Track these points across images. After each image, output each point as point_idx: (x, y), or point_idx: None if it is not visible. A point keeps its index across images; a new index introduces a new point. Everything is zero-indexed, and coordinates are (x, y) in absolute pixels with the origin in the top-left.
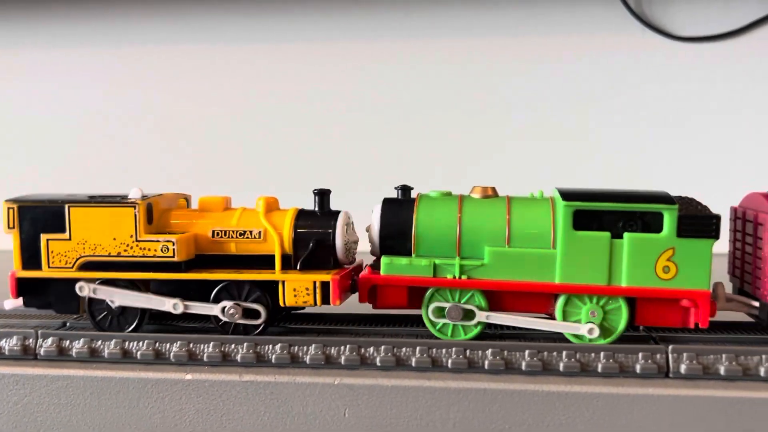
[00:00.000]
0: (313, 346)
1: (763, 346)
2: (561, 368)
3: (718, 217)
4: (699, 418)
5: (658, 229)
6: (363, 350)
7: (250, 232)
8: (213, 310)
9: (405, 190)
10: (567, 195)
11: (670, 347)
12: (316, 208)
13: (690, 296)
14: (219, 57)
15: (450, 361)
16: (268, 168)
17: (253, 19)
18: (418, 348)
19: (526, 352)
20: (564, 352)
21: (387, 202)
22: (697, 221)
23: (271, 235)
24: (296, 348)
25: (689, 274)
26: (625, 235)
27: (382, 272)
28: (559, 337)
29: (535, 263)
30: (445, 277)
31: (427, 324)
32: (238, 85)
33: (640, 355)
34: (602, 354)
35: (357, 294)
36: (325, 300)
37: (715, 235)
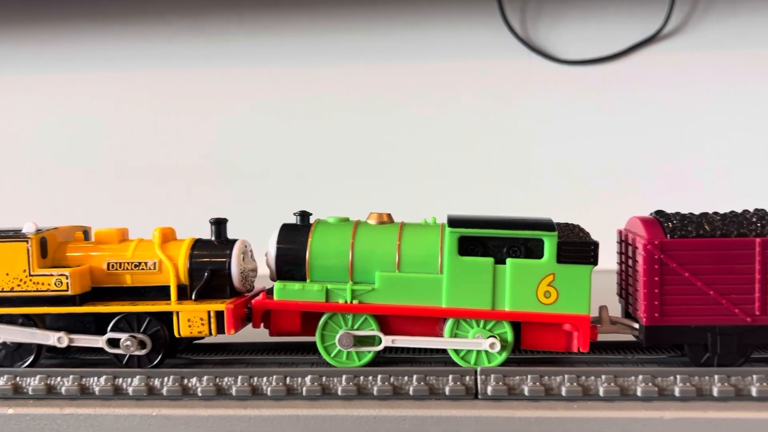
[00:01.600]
0: (205, 377)
1: (592, 367)
2: (375, 392)
3: (596, 244)
4: None
5: (540, 255)
6: (255, 380)
7: (146, 263)
8: (98, 342)
9: (303, 215)
10: (452, 222)
11: (479, 369)
12: (213, 238)
13: (570, 321)
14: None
15: (340, 388)
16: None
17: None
18: (309, 377)
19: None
20: (379, 376)
21: (284, 228)
22: (575, 248)
23: (166, 266)
24: (186, 380)
25: (569, 299)
26: (508, 260)
27: (275, 297)
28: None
29: (423, 288)
30: (337, 302)
31: (321, 351)
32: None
33: (450, 377)
34: (414, 377)
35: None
36: (220, 329)
37: (593, 261)
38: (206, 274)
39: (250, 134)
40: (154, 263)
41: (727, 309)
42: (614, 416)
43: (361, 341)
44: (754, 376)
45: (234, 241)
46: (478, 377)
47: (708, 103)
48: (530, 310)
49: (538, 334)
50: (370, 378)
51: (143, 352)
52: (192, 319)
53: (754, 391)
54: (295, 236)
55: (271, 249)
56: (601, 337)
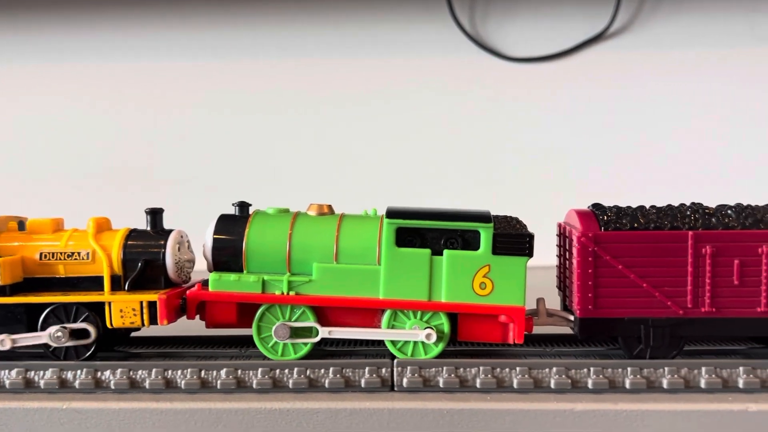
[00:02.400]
0: (119, 371)
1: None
2: (290, 385)
3: (531, 236)
4: (419, 429)
5: (477, 246)
6: (168, 373)
7: (79, 253)
8: (42, 338)
9: (242, 206)
10: (390, 213)
11: (396, 361)
12: (149, 227)
13: (506, 312)
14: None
15: (255, 381)
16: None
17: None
18: (224, 370)
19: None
20: (295, 369)
21: (222, 219)
22: (510, 239)
23: (100, 256)
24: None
25: (505, 291)
26: (444, 252)
27: (210, 288)
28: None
29: (361, 279)
30: (274, 294)
31: (257, 343)
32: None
33: (366, 369)
34: (331, 370)
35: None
36: (153, 320)
37: (529, 253)
38: (140, 264)
39: (199, 128)
40: (88, 253)
41: (659, 301)
42: (527, 408)
43: (298, 333)
44: (666, 368)
45: (170, 231)
46: (395, 369)
47: (653, 101)
48: (466, 302)
49: (474, 325)
50: (286, 371)
51: (75, 343)
52: (124, 309)
53: (665, 383)
54: (232, 227)
55: (208, 240)
56: (552, 330)
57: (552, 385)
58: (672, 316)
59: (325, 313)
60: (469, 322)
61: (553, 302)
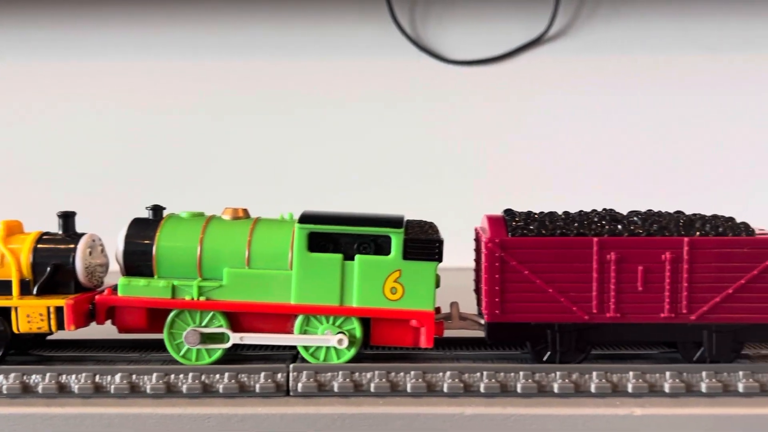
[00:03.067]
0: (12, 375)
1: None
2: (184, 390)
3: (440, 241)
4: None
5: (389, 251)
6: (63, 377)
7: None
8: None
9: (156, 210)
10: (302, 218)
11: (291, 366)
12: (60, 231)
13: (416, 316)
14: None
15: (149, 386)
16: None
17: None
18: (118, 375)
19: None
20: (190, 374)
21: (134, 223)
22: (420, 245)
23: (8, 260)
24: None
25: (414, 295)
26: (356, 257)
27: (119, 293)
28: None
29: (272, 284)
30: (184, 299)
31: (168, 347)
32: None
33: (262, 375)
34: (226, 375)
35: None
36: (61, 325)
37: (438, 258)
38: (49, 268)
39: (135, 130)
40: None
41: (565, 307)
42: (418, 412)
43: (211, 339)
44: (557, 373)
45: (81, 235)
46: (290, 374)
47: (590, 105)
48: (377, 306)
49: (386, 330)
50: (181, 376)
51: None
52: (31, 314)
53: (556, 388)
54: (144, 231)
55: (120, 244)
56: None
57: (445, 389)
58: (578, 321)
59: (238, 318)
60: (381, 326)
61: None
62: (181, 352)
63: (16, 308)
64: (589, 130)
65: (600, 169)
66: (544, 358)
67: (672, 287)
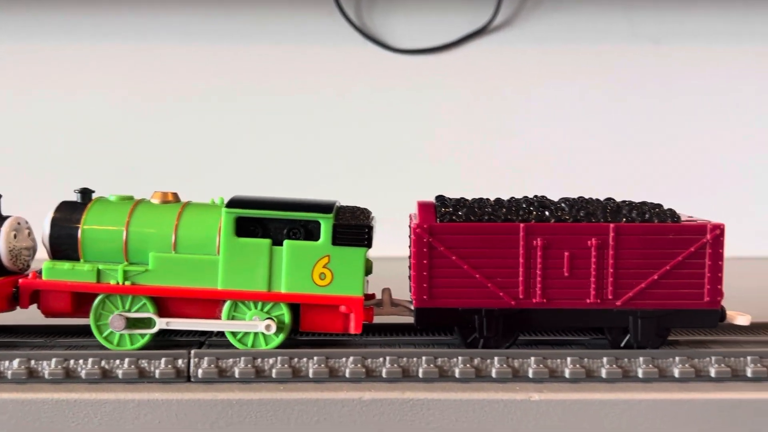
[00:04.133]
0: None
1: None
2: (83, 376)
3: (369, 227)
4: (206, 419)
5: (318, 237)
6: None
7: None
8: None
9: (84, 193)
10: (230, 202)
11: (193, 351)
12: None
13: (344, 302)
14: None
15: (47, 372)
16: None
17: None
18: (16, 360)
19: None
20: (90, 360)
21: (61, 206)
22: (349, 230)
23: None
24: None
25: (343, 281)
26: (285, 242)
27: (44, 277)
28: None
29: (199, 269)
30: (109, 283)
31: (95, 332)
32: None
33: (163, 360)
34: (127, 360)
35: None
36: None
37: (367, 244)
38: None
39: (75, 114)
40: None
41: (492, 292)
42: (316, 397)
43: (138, 324)
44: (459, 358)
45: (6, 217)
46: (191, 360)
47: (534, 96)
48: (306, 292)
49: (316, 316)
50: (81, 361)
51: None
52: None
53: (457, 373)
54: (70, 214)
55: (46, 227)
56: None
57: (347, 374)
58: (504, 306)
59: (166, 303)
60: (310, 312)
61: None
62: (108, 337)
63: None
64: (534, 120)
65: (547, 158)
66: (469, 343)
67: (598, 273)
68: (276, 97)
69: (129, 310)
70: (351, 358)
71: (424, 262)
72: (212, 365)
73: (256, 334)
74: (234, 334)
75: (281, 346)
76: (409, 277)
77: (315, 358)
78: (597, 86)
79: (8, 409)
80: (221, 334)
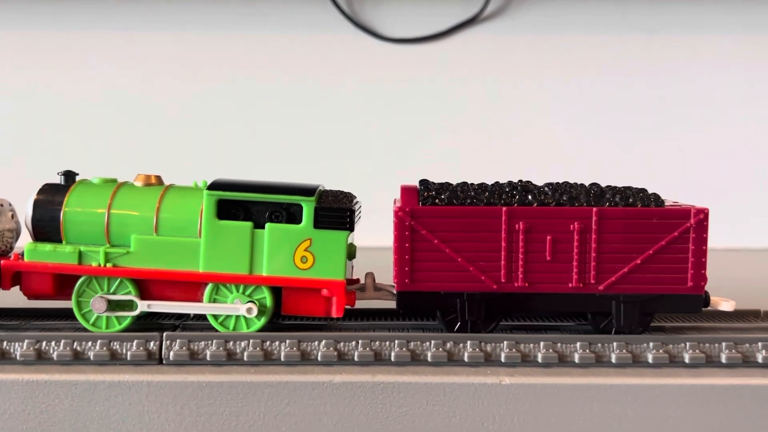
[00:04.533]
0: None
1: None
2: (54, 357)
3: (351, 210)
4: (177, 401)
5: (300, 220)
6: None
7: None
8: None
9: (68, 175)
10: (211, 185)
11: (165, 334)
12: None
13: (326, 286)
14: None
15: (19, 353)
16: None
17: None
18: (26, 341)
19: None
20: (62, 342)
21: (44, 188)
22: (330, 213)
23: None
24: None
25: (325, 265)
26: (267, 225)
27: (25, 258)
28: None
29: (180, 252)
30: (90, 265)
31: (77, 315)
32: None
33: (135, 342)
34: (99, 342)
35: None
36: None
37: (349, 227)
38: None
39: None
40: None
41: (474, 276)
42: (287, 380)
43: (120, 306)
44: (432, 342)
45: None
46: (163, 342)
47: (526, 86)
48: (287, 275)
49: (298, 299)
50: (53, 343)
51: None
52: None
53: (429, 357)
54: (53, 196)
55: (28, 209)
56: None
57: (319, 358)
58: (486, 290)
59: (148, 285)
60: (292, 296)
61: None
62: (91, 320)
63: None
64: (525, 110)
65: (538, 148)
66: (455, 328)
67: (580, 257)
68: (265, 85)
69: (111, 293)
70: (323, 342)
71: (406, 245)
72: (184, 348)
73: (237, 317)
74: (216, 317)
75: (263, 329)
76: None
77: (287, 341)
78: (589, 76)
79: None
80: (201, 317)
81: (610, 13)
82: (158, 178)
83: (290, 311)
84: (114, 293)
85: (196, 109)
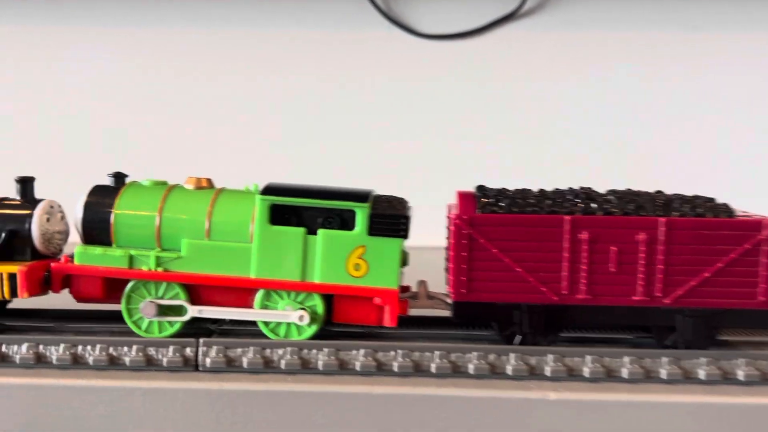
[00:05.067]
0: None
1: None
2: (90, 362)
3: (406, 217)
4: (213, 409)
5: (353, 226)
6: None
7: None
8: None
9: (117, 177)
10: (265, 189)
11: (201, 340)
12: (19, 197)
13: (379, 294)
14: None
15: (55, 357)
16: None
17: None
18: (25, 345)
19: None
20: (98, 346)
21: (95, 190)
22: (385, 220)
23: None
24: None
25: (379, 273)
26: (319, 231)
27: (75, 261)
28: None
29: (232, 257)
30: (141, 269)
31: (127, 320)
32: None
33: (171, 348)
34: (135, 347)
35: None
36: (14, 292)
37: (404, 234)
38: (4, 234)
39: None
40: None
41: (534, 287)
42: (327, 390)
43: (168, 311)
44: (474, 353)
45: (39, 201)
46: (200, 349)
47: (565, 83)
48: (340, 283)
49: (349, 307)
50: (89, 347)
51: None
52: None
53: (471, 369)
54: (104, 198)
55: (78, 211)
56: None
57: (357, 368)
58: (547, 302)
59: (198, 291)
60: (344, 304)
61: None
62: (144, 327)
63: None
64: (566, 108)
65: (580, 147)
66: (515, 340)
67: (646, 269)
68: (301, 82)
69: (161, 297)
70: (362, 351)
71: (463, 254)
72: (220, 354)
73: (289, 324)
74: (266, 323)
75: (314, 337)
76: (446, 269)
77: (325, 349)
78: (630, 72)
79: (16, 393)
80: (237, 322)
81: (652, 9)
82: (209, 181)
83: (341, 319)
84: (164, 298)
85: (226, 108)
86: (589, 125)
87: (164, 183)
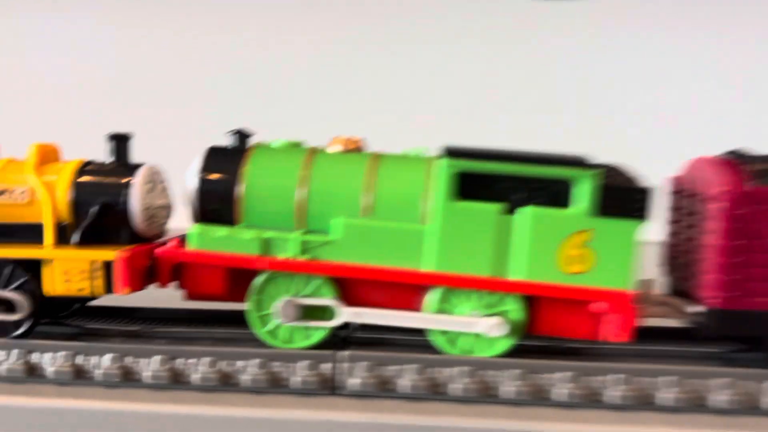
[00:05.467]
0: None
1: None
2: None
3: (645, 191)
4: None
5: (567, 203)
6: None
7: (12, 191)
8: None
9: (241, 136)
10: (451, 152)
11: (339, 354)
12: (111, 160)
13: (606, 298)
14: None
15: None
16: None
17: None
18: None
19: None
20: (202, 359)
21: (212, 153)
22: (622, 195)
23: (41, 196)
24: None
25: (608, 268)
26: (524, 209)
27: (191, 246)
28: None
29: (399, 242)
30: (278, 258)
31: (255, 325)
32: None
33: (299, 365)
34: (255, 362)
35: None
36: (109, 287)
37: (641, 215)
38: (95, 209)
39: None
40: (24, 191)
41: None
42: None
43: (311, 314)
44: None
45: (139, 165)
46: (337, 365)
47: (681, 46)
48: (550, 281)
49: (558, 314)
50: (192, 361)
51: (17, 317)
52: (70, 271)
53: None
54: (225, 164)
55: (192, 180)
56: None
57: (552, 396)
58: None
59: (348, 286)
60: (551, 309)
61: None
62: (273, 331)
63: (50, 262)
64: (687, 73)
65: (704, 110)
66: None
67: None
68: (421, 45)
69: (301, 295)
70: (569, 374)
71: (732, 244)
72: (367, 373)
73: (476, 335)
74: (444, 333)
75: (511, 354)
76: (667, 265)
77: (514, 371)
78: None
79: (96, 420)
80: (378, 328)
81: None
82: (360, 142)
83: (545, 330)
84: (308, 295)
85: (355, 70)
86: (719, 87)
87: (298, 144)
